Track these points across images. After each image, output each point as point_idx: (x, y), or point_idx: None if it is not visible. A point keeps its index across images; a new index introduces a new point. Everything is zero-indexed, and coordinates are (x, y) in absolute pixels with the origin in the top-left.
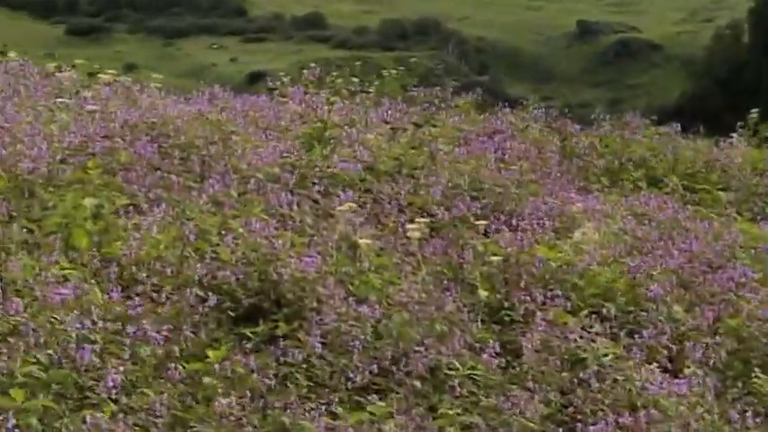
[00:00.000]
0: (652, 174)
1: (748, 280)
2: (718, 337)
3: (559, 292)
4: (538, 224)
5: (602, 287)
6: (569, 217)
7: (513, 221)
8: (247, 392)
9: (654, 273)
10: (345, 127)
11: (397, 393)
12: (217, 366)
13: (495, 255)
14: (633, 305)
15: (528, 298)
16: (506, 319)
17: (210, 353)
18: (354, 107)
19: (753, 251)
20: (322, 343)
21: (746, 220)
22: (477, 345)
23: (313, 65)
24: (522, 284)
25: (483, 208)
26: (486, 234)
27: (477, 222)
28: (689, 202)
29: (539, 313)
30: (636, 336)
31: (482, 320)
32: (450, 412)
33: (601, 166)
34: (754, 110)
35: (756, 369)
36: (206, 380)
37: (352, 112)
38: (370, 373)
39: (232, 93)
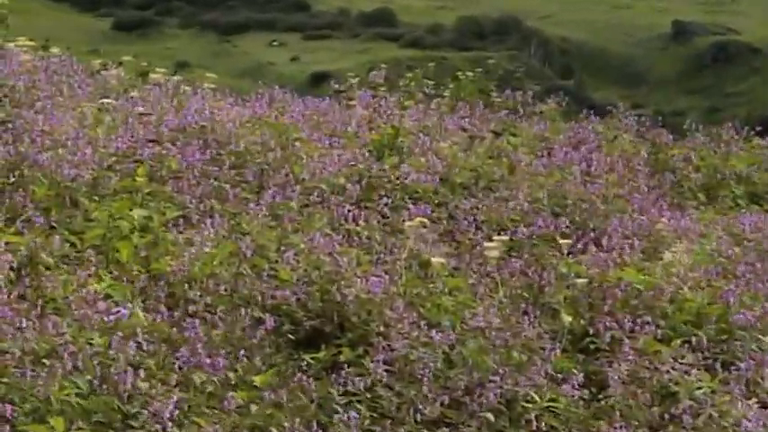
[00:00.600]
0: (753, 190)
1: None
2: None
3: (649, 319)
4: (626, 244)
5: (693, 313)
6: (659, 236)
7: (599, 241)
8: (306, 424)
9: (748, 299)
10: (418, 134)
11: (470, 427)
12: (269, 394)
13: (579, 277)
14: (727, 334)
15: (615, 324)
16: (591, 347)
17: (257, 378)
18: (428, 112)
19: None
20: (388, 371)
21: None
22: (559, 375)
23: (383, 65)
24: (608, 310)
25: (566, 225)
26: (569, 254)
27: (559, 241)
28: None
29: (626, 341)
30: (732, 368)
31: (564, 348)
32: None
33: (696, 180)
34: None
35: None
36: (254, 408)
37: (426, 117)
38: (441, 404)
39: (293, 95)
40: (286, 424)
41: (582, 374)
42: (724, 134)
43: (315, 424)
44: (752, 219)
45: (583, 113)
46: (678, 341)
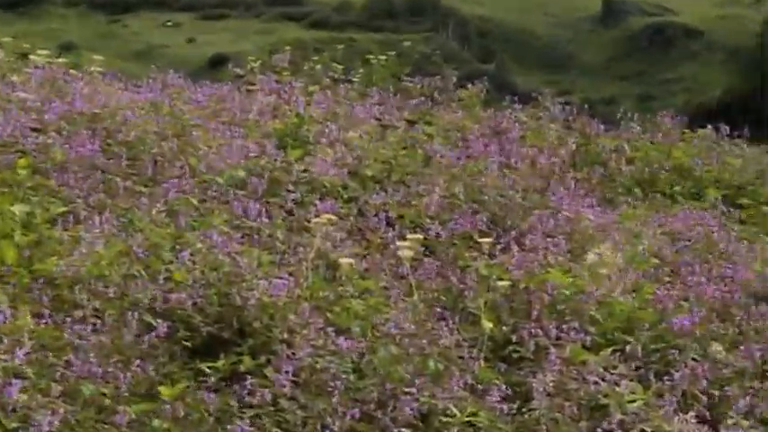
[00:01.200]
0: (690, 185)
1: None
2: (767, 382)
3: (576, 325)
4: (551, 243)
5: (625, 319)
6: (587, 235)
7: (522, 240)
8: None
9: (686, 303)
10: (326, 123)
11: None
12: (168, 407)
13: (500, 279)
14: (662, 342)
15: (539, 331)
16: (514, 355)
17: (163, 390)
18: (336, 99)
19: None
20: (293, 381)
21: None
22: (480, 386)
23: (286, 47)
24: (533, 315)
25: (486, 223)
26: (490, 254)
27: (479, 240)
28: (733, 219)
29: (552, 349)
30: (667, 379)
31: (485, 357)
32: None
33: (628, 174)
34: None
35: None
36: (155, 423)
37: (334, 105)
38: (351, 418)
39: (189, 80)
40: None
41: (504, 386)
42: (660, 124)
43: None
44: (690, 215)
45: (504, 100)
46: (608, 349)
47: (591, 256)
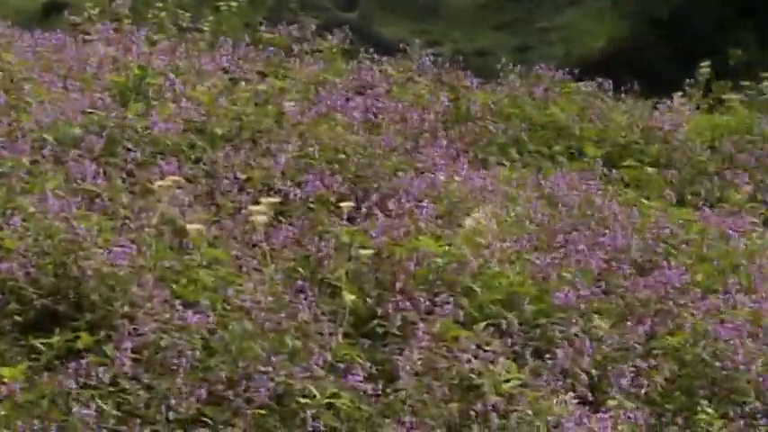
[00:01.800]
0: (570, 144)
1: (690, 285)
2: (652, 360)
3: (448, 298)
4: (419, 207)
5: (503, 292)
6: (459, 198)
7: (387, 203)
8: (36, 423)
9: (568, 274)
10: (170, 76)
11: (234, 426)
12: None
13: (363, 247)
14: (542, 316)
15: (407, 304)
16: (378, 331)
17: (4, 371)
18: (182, 50)
19: (697, 248)
20: (136, 359)
21: (691, 208)
22: (341, 365)
23: None
24: (400, 287)
25: (348, 185)
26: (351, 219)
27: (340, 204)
28: (618, 182)
29: (420, 325)
30: (546, 356)
31: (347, 333)
32: None
33: (504, 132)
34: (704, 62)
35: (702, 401)
36: None
37: (180, 56)
38: (199, 400)
39: (20, 28)
40: (19, 422)
41: (368, 364)
42: (539, 77)
43: (47, 423)
44: (569, 178)
45: (368, 52)
46: (482, 324)
47: (467, 222)
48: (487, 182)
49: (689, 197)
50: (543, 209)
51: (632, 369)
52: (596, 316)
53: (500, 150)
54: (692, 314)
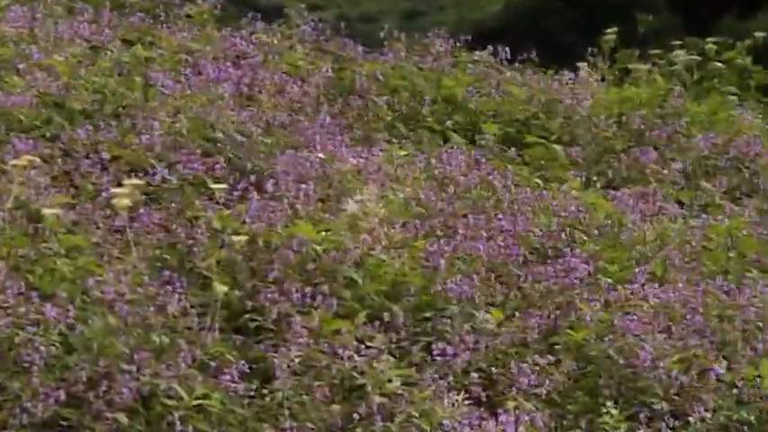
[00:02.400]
0: (464, 120)
1: (596, 274)
2: (551, 356)
3: (326, 289)
4: (298, 190)
5: (387, 282)
6: (342, 180)
7: (263, 185)
8: None
9: (460, 262)
10: (22, 44)
11: (94, 431)
12: None
13: (237, 233)
14: (431, 308)
15: (283, 297)
16: (252, 326)
17: None
18: (36, 15)
19: (604, 232)
20: None
21: (597, 189)
22: (212, 363)
23: None
24: (276, 277)
25: (220, 165)
26: (224, 203)
27: (211, 186)
28: (517, 161)
29: (297, 318)
30: (435, 352)
31: (219, 328)
32: None
33: (391, 107)
34: (610, 29)
35: (607, 402)
36: None
37: (33, 21)
38: (56, 401)
39: None
40: None
41: (241, 362)
42: (429, 46)
43: None
44: (464, 156)
45: (244, 18)
46: (362, 315)
47: (350, 206)
48: (373, 161)
49: (595, 178)
50: (434, 191)
51: (531, 367)
52: (491, 308)
53: (387, 127)
54: (598, 306)
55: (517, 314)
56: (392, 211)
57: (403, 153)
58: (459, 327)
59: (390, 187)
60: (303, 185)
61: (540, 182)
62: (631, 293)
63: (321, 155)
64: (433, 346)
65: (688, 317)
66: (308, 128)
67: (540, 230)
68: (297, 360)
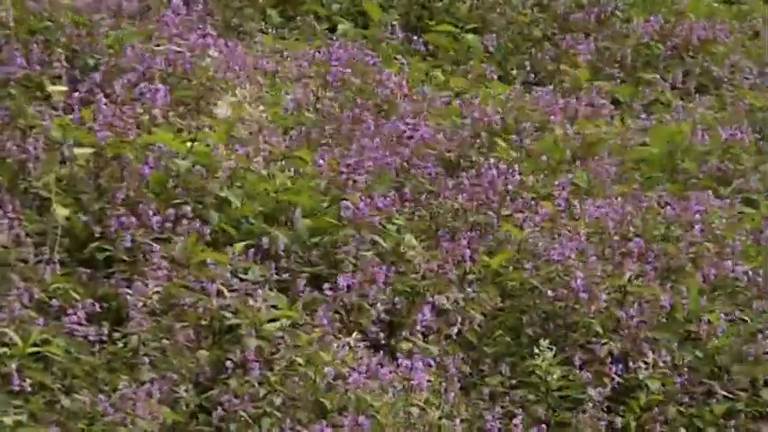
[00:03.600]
0: (354, 3)
1: (517, 189)
2: (468, 290)
3: (191, 211)
4: (153, 91)
5: (269, 202)
6: (209, 79)
7: (114, 87)
8: None
9: (359, 177)
10: None
11: None
12: None
13: (80, 145)
14: (321, 234)
15: (137, 221)
16: (100, 257)
17: None
18: None
19: (524, 137)
20: None
21: (515, 84)
22: (53, 302)
23: None
24: (129, 198)
25: (59, 64)
26: (65, 110)
27: (49, 89)
28: (419, 53)
29: (156, 247)
30: (326, 287)
31: (61, 261)
32: None
33: None
34: None
35: (542, 342)
36: None
37: None
38: None
39: None
40: None
41: (89, 301)
42: None
43: None
44: (353, 47)
45: None
46: (241, 245)
47: (220, 110)
48: (246, 55)
49: (512, 72)
50: (320, 91)
51: (441, 302)
52: (394, 231)
53: (259, 13)
54: (519, 227)
55: (424, 238)
56: (274, 115)
57: (280, 45)
58: (354, 255)
59: (269, 87)
60: (159, 86)
61: (445, 76)
62: (559, 211)
63: (180, 48)
64: (324, 279)
65: (623, 238)
66: (165, 16)
67: (450, 137)
68: (155, 297)
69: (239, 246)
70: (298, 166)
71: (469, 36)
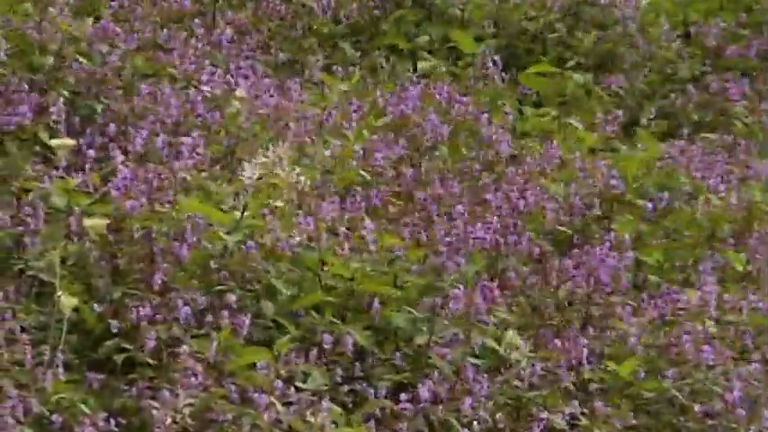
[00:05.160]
0: (444, 31)
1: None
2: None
3: (234, 300)
4: (181, 145)
5: (336, 289)
6: (235, 126)
7: (132, 138)
8: None
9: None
10: None
11: None
12: None
13: (92, 215)
14: (418, 331)
15: (165, 312)
16: (117, 358)
17: None
18: None
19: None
20: None
21: (649, 138)
22: (55, 417)
23: None
24: (155, 281)
25: (65, 109)
26: (71, 169)
27: (52, 142)
28: (527, 97)
29: (187, 347)
30: (405, 398)
31: (67, 363)
32: None
33: (326, 12)
34: None
35: None
36: None
37: None
38: None
39: None
40: None
41: (102, 415)
42: None
43: None
44: (445, 88)
45: None
46: (286, 340)
47: (247, 172)
48: (292, 101)
49: (645, 121)
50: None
51: (555, 420)
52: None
53: (325, 46)
54: (651, 321)
55: (528, 335)
56: (313, 178)
57: (344, 87)
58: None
59: (320, 139)
60: (188, 138)
61: (562, 127)
62: (701, 302)
63: (214, 90)
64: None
65: None
66: (195, 47)
67: (559, 205)
68: (187, 411)
69: (290, 344)
70: (372, 244)
71: (586, 75)
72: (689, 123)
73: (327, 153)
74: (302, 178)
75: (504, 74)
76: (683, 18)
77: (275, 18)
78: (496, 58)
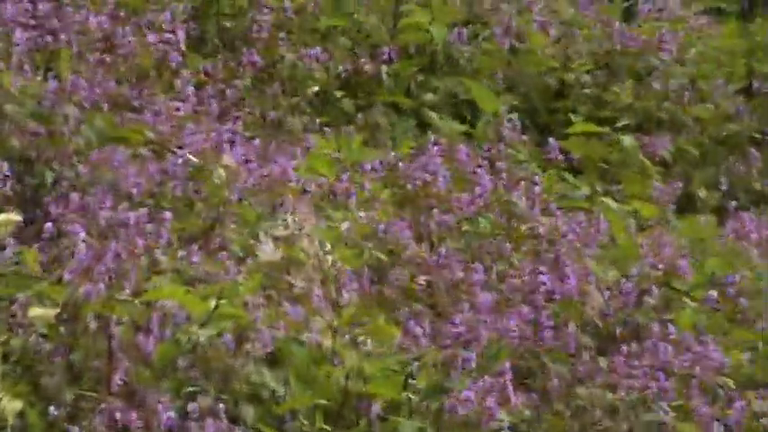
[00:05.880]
0: (453, 86)
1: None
2: None
3: (218, 406)
4: (159, 217)
5: (329, 391)
6: (218, 197)
7: (91, 212)
8: None
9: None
10: None
11: None
12: None
13: (42, 303)
14: None
15: (135, 419)
16: None
17: None
18: None
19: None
20: None
21: (705, 212)
22: None
23: None
24: (121, 383)
25: (4, 177)
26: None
27: None
28: (553, 163)
29: None
30: None
31: None
32: None
33: (320, 61)
34: None
35: None
36: None
37: None
38: None
39: None
40: None
41: None
42: None
43: None
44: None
45: None
46: None
47: (265, 250)
48: (292, 166)
49: (701, 193)
50: (404, 221)
51: None
52: None
53: (314, 104)
54: None
55: None
56: (344, 256)
57: (347, 148)
58: None
59: (326, 213)
60: (165, 212)
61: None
62: None
63: (191, 155)
64: None
65: None
66: (164, 102)
67: (605, 291)
68: None
69: None
70: (368, 336)
71: (627, 138)
72: (751, 195)
73: (345, 227)
74: (329, 257)
75: (523, 136)
76: (744, 66)
77: (254, 71)
78: (513, 116)
